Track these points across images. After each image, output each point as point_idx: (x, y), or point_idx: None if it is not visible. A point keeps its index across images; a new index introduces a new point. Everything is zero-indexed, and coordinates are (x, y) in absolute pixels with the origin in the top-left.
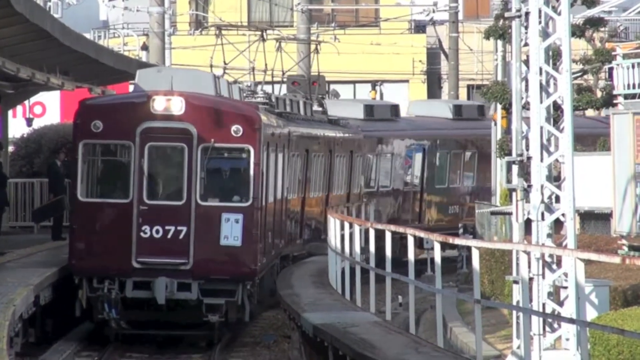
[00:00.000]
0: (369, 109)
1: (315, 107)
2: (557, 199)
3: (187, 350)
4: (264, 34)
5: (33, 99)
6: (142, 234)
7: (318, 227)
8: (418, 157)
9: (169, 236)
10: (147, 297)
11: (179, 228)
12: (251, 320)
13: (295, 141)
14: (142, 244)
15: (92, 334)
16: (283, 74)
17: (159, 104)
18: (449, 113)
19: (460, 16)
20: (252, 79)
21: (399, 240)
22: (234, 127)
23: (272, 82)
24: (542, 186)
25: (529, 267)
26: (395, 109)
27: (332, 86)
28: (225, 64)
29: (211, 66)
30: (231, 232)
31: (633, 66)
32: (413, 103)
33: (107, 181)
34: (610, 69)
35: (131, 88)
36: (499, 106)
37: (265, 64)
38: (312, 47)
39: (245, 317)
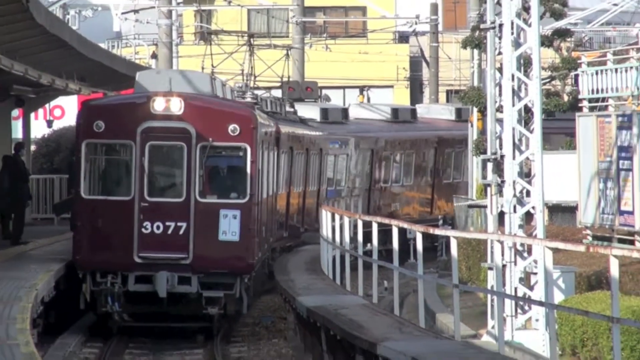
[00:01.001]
0: (324, 111)
1: (288, 108)
2: (528, 194)
3: (188, 342)
4: (251, 40)
5: (53, 103)
6: (143, 229)
7: (300, 219)
8: (367, 155)
9: (170, 232)
10: (148, 290)
11: (179, 224)
12: (247, 309)
13: (283, 140)
14: (144, 240)
15: (94, 326)
16: (254, 77)
17: (158, 105)
18: (388, 115)
19: (440, 28)
20: (243, 80)
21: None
22: (231, 127)
23: (270, 88)
24: (514, 182)
25: (502, 255)
26: (345, 112)
27: (323, 91)
28: (212, 66)
29: (202, 68)
30: (229, 227)
31: (597, 73)
32: (353, 106)
33: (109, 179)
34: (576, 76)
35: None
36: (475, 109)
37: (252, 67)
38: (284, 52)
39: (243, 309)
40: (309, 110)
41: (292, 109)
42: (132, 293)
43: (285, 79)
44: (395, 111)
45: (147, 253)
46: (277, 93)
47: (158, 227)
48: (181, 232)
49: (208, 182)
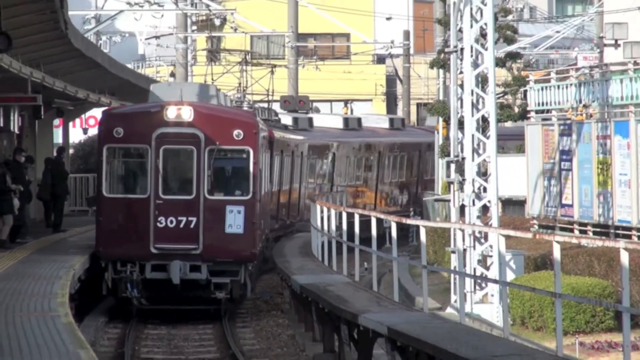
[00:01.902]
0: (295, 120)
1: (273, 116)
2: (485, 190)
3: (199, 322)
4: (247, 56)
5: (88, 114)
6: (158, 224)
7: (287, 212)
8: (329, 158)
9: (182, 226)
10: (163, 278)
11: (190, 218)
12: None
13: (276, 143)
14: (159, 233)
15: (114, 310)
16: (244, 90)
17: (171, 113)
18: (340, 124)
19: (411, 51)
20: (241, 92)
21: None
22: (235, 132)
23: (269, 101)
24: (473, 180)
25: (463, 241)
26: (310, 120)
27: (314, 104)
28: (212, 80)
29: (205, 82)
30: (234, 221)
31: (542, 89)
32: (317, 116)
33: (128, 179)
34: (525, 91)
35: None
36: (441, 119)
37: (246, 80)
38: (269, 69)
39: (247, 293)
40: (284, 118)
41: (277, 117)
42: (149, 280)
43: (271, 93)
44: (345, 120)
45: (162, 244)
46: (276, 105)
47: (171, 222)
48: (192, 225)
49: (215, 181)
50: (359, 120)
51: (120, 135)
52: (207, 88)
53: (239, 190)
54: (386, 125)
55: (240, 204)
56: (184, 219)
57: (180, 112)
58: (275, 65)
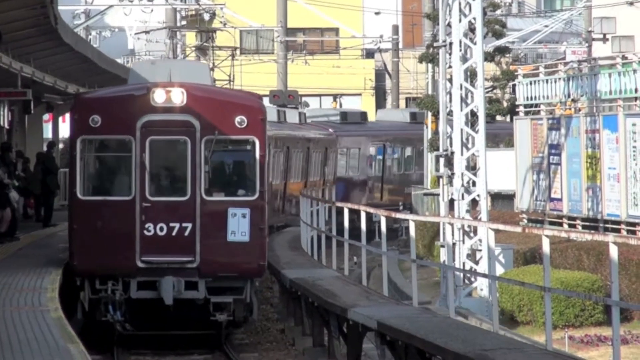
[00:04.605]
0: (283, 113)
1: None
2: (474, 184)
3: (194, 349)
4: (234, 52)
5: None
6: (145, 232)
7: (281, 205)
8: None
9: (174, 233)
10: (152, 297)
11: (183, 225)
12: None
13: (274, 136)
14: (146, 243)
15: (89, 332)
16: (232, 82)
17: (159, 96)
18: (338, 118)
19: (400, 45)
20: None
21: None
22: (237, 118)
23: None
24: (462, 174)
25: (453, 235)
26: (303, 115)
27: (303, 98)
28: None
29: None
30: (238, 227)
31: (531, 83)
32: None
33: (108, 178)
34: (514, 86)
35: None
36: (430, 113)
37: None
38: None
39: (253, 314)
40: (269, 112)
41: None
42: (135, 300)
43: (232, 79)
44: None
45: (150, 257)
46: (265, 100)
47: (161, 229)
48: (186, 233)
49: (214, 178)
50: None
51: (98, 125)
52: (200, 67)
53: (243, 189)
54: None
55: (244, 206)
56: (177, 225)
57: (170, 96)
58: (236, 48)
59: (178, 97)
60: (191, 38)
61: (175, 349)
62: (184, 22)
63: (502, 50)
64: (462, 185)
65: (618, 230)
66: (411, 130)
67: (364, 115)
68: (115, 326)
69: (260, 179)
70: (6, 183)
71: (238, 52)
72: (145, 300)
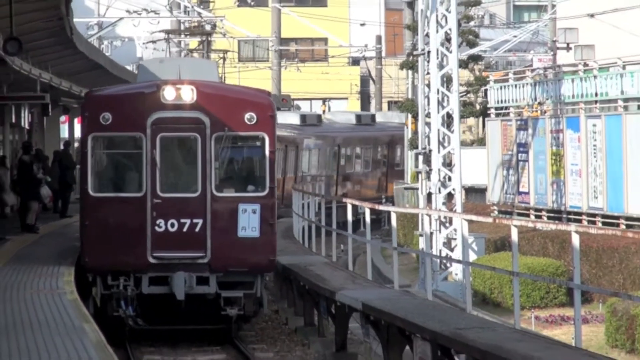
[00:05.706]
0: (303, 117)
1: None
2: (449, 179)
3: (204, 343)
4: (225, 55)
5: None
6: (156, 228)
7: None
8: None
9: (185, 229)
10: (163, 292)
11: (194, 221)
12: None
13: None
14: (157, 239)
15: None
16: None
17: (169, 94)
18: (297, 120)
19: (383, 54)
20: None
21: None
22: (247, 115)
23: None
24: (439, 170)
25: (430, 225)
26: (319, 117)
27: (295, 102)
28: None
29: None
30: (249, 223)
31: (501, 88)
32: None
33: (119, 175)
34: (486, 90)
35: None
36: (410, 115)
37: (224, 75)
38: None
39: (263, 308)
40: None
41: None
42: (146, 296)
43: (282, 94)
44: (303, 117)
45: (162, 253)
46: None
47: (172, 225)
48: (197, 229)
49: (224, 175)
50: (319, 116)
51: (109, 122)
52: (208, 64)
53: (253, 185)
54: (353, 121)
55: (255, 202)
56: (188, 221)
57: (180, 93)
58: (210, 34)
59: (188, 94)
60: (194, 45)
61: (186, 343)
62: (187, 33)
63: (475, 58)
64: (439, 180)
65: (580, 221)
66: (358, 132)
67: (319, 117)
68: (127, 321)
69: (270, 175)
70: (40, 178)
71: (236, 59)
72: (156, 295)
